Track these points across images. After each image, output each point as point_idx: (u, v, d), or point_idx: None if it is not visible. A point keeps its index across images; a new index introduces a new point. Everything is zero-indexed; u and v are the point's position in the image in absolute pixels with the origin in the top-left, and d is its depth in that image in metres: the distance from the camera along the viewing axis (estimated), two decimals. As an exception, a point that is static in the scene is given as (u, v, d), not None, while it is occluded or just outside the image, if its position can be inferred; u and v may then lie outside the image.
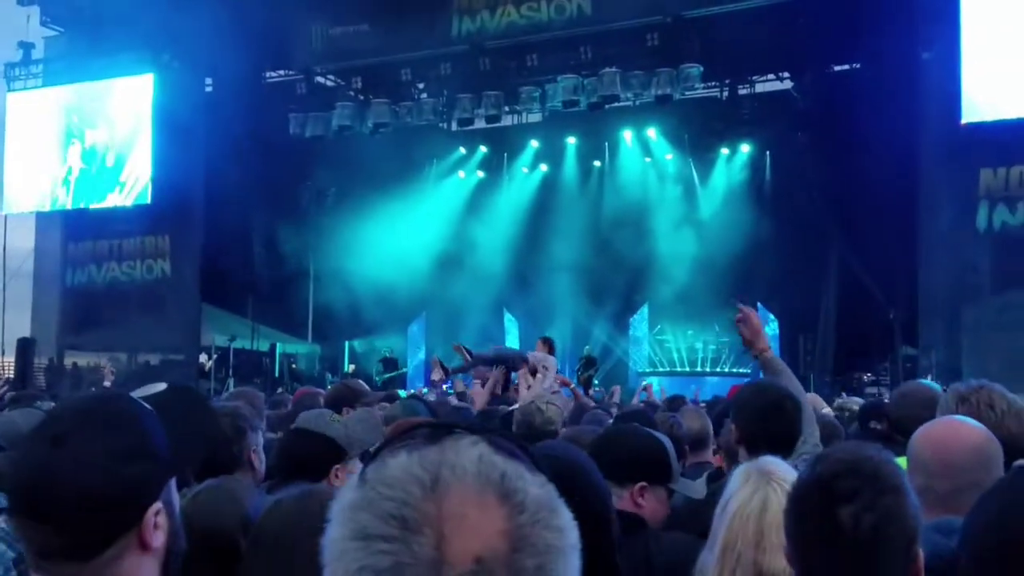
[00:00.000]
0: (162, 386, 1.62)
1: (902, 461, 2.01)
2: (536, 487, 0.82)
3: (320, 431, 3.06)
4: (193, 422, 1.57)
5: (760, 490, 1.93)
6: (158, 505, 1.44)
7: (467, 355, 7.90)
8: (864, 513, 1.54)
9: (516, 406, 4.54)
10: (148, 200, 20.36)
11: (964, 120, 15.19)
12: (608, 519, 1.85)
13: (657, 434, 2.75)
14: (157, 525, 1.43)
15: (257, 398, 5.34)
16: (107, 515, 1.39)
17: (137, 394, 1.57)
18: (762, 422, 2.91)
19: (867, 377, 16.63)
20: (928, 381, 4.23)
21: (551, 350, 9.87)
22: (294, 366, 21.65)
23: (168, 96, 19.87)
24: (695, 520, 2.39)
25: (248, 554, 1.90)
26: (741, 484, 2.00)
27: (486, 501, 0.78)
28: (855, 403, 6.40)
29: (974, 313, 15.19)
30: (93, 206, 21.04)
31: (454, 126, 19.94)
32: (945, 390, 3.02)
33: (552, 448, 2.11)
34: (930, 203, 15.54)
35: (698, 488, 2.78)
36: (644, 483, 2.35)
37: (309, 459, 2.96)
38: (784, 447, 2.58)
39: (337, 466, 2.98)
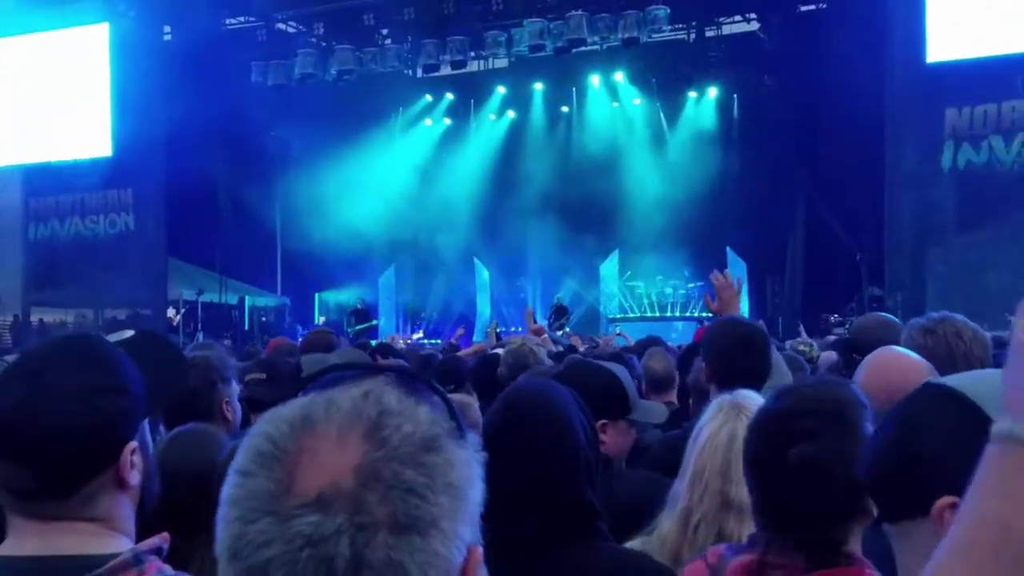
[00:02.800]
0: (130, 332, 1.62)
1: None
2: (414, 425, 0.79)
3: None
4: (163, 364, 1.57)
5: (730, 422, 1.95)
6: (134, 443, 1.44)
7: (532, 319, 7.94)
8: (818, 453, 1.55)
9: (504, 348, 4.56)
10: (109, 153, 19.99)
11: (929, 59, 15.23)
12: (573, 457, 1.85)
13: (610, 366, 2.74)
14: (133, 464, 1.43)
15: (222, 349, 5.25)
16: (85, 450, 1.39)
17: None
18: (732, 358, 2.91)
19: (834, 318, 16.82)
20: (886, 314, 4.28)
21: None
22: (264, 319, 21.53)
23: (125, 46, 19.40)
24: (670, 455, 2.41)
25: (213, 496, 1.87)
26: (713, 416, 2.03)
27: (348, 437, 0.77)
28: (807, 343, 6.51)
29: (939, 253, 15.38)
30: (53, 159, 20.64)
31: (419, 72, 19.68)
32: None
33: (521, 385, 2.10)
34: (895, 143, 15.62)
35: (658, 411, 2.81)
36: (604, 420, 2.36)
37: None
38: (756, 382, 2.58)
39: None
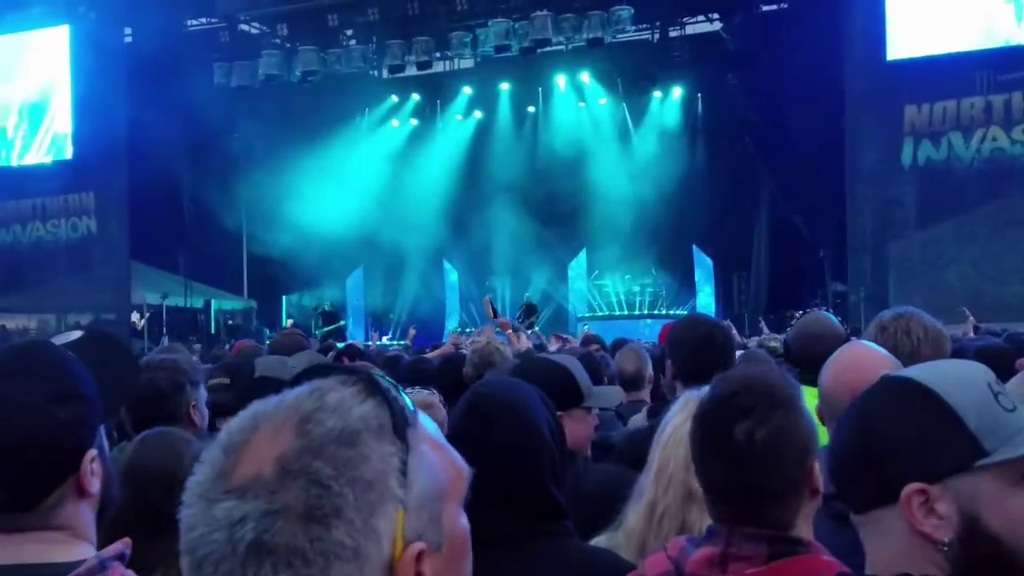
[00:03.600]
0: (78, 333, 1.60)
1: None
2: (338, 420, 0.82)
3: (285, 378, 3.02)
4: (114, 366, 1.56)
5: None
6: (93, 451, 1.44)
7: (493, 312, 7.84)
8: (757, 427, 1.60)
9: (470, 348, 4.56)
10: (69, 156, 19.74)
11: (889, 57, 15.45)
12: (537, 455, 1.86)
13: (560, 358, 2.78)
14: (93, 471, 1.43)
15: (186, 352, 5.22)
16: (46, 461, 1.38)
17: (54, 342, 1.55)
18: (695, 355, 2.96)
19: (799, 314, 16.97)
20: (828, 313, 4.29)
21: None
22: (231, 322, 21.35)
23: (86, 48, 19.18)
24: (635, 450, 2.43)
25: (176, 499, 1.87)
26: (679, 411, 2.07)
27: (282, 431, 0.81)
28: (775, 339, 6.56)
29: (900, 248, 15.61)
30: (13, 163, 20.34)
31: (385, 73, 19.64)
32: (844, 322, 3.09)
33: (486, 383, 2.11)
34: (856, 140, 15.83)
35: (614, 395, 2.81)
36: (559, 412, 2.38)
37: None
38: (719, 378, 2.62)
39: None
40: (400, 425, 0.85)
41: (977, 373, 1.30)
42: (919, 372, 1.31)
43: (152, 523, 1.99)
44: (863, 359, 2.14)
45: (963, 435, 1.23)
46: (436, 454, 0.88)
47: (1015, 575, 1.23)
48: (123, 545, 1.39)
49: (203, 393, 3.21)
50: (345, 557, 0.79)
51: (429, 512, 0.85)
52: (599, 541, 2.06)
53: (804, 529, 1.65)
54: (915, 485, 1.21)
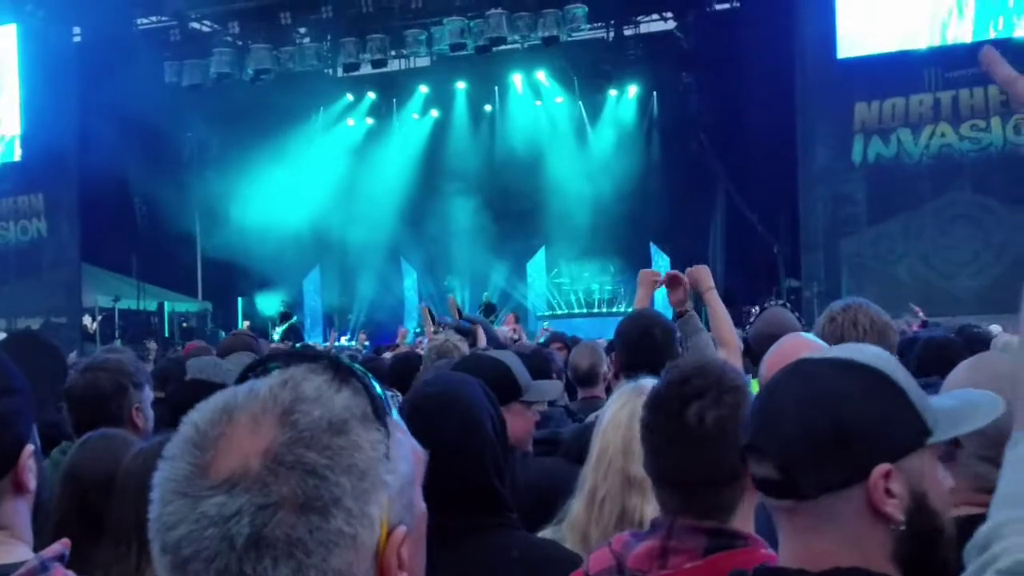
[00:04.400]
0: (2, 335, 1.60)
1: None
2: (323, 410, 0.82)
3: (218, 380, 2.98)
4: (42, 363, 1.55)
5: (630, 403, 2.02)
6: (31, 446, 1.42)
7: (458, 312, 7.74)
8: (709, 410, 1.64)
9: (425, 346, 4.57)
10: (16, 158, 19.37)
11: (840, 55, 15.66)
12: (480, 449, 1.87)
13: (497, 354, 2.81)
14: (30, 467, 1.42)
15: (130, 352, 5.11)
16: None
17: None
18: (634, 350, 3.04)
19: (754, 310, 17.17)
20: (786, 309, 4.36)
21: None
22: (185, 324, 21.07)
23: (34, 47, 18.84)
24: (581, 445, 2.44)
25: (115, 501, 1.89)
26: (615, 399, 2.10)
27: (261, 423, 0.81)
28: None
29: (852, 244, 15.84)
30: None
31: (340, 72, 19.50)
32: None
33: (429, 382, 2.12)
34: (808, 138, 16.05)
35: (552, 389, 2.83)
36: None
37: None
38: (658, 370, 2.65)
39: None
40: (381, 412, 0.86)
41: (892, 356, 1.34)
42: (856, 354, 1.31)
43: (93, 527, 1.96)
44: (801, 349, 2.17)
45: (914, 414, 1.26)
46: (405, 439, 0.90)
47: (942, 549, 1.25)
48: (62, 546, 1.38)
49: (148, 395, 3.15)
50: (344, 545, 0.79)
51: (407, 497, 0.87)
52: (544, 535, 2.07)
53: (746, 521, 1.66)
54: (883, 467, 1.21)
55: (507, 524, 1.90)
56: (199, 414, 0.83)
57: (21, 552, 1.40)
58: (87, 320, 19.12)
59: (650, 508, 1.85)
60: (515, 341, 6.63)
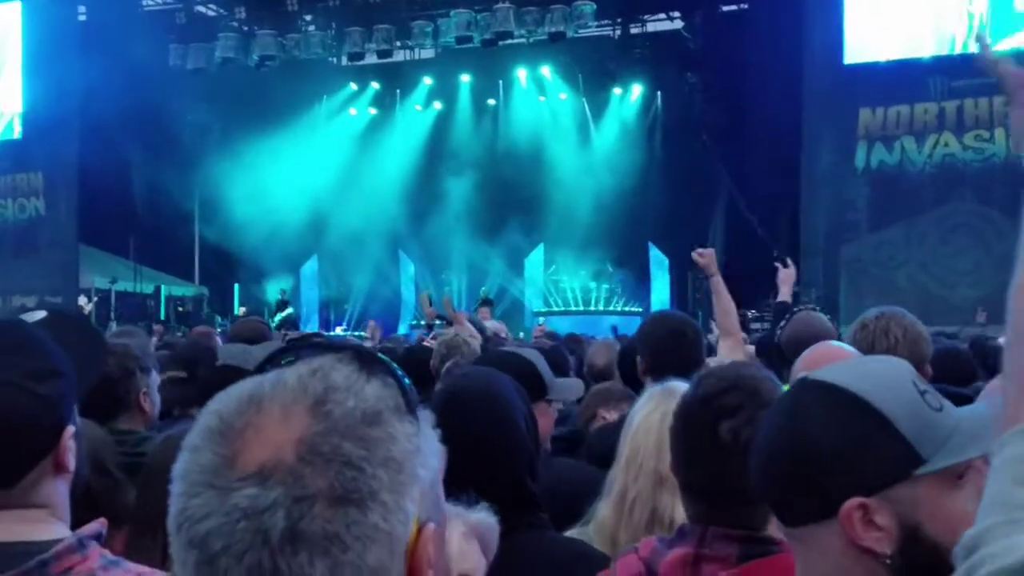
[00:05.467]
0: (42, 313, 1.58)
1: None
2: (358, 400, 0.79)
3: (249, 367, 2.95)
4: (82, 344, 1.54)
5: (662, 405, 2.01)
6: (72, 427, 1.44)
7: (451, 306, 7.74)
8: (744, 427, 1.59)
9: (435, 340, 4.55)
10: (16, 135, 19.28)
11: (847, 61, 15.66)
12: (514, 448, 1.86)
13: (522, 351, 2.80)
14: (71, 448, 1.43)
15: (143, 336, 5.08)
16: (27, 437, 1.38)
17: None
18: (665, 350, 2.99)
19: (751, 313, 17.18)
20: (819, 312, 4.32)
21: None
22: (181, 309, 21.00)
23: (38, 26, 18.75)
24: (603, 444, 2.43)
25: (141, 489, 1.87)
26: (646, 402, 2.08)
27: (292, 413, 0.78)
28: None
29: (851, 250, 15.85)
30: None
31: (344, 61, 19.46)
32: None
33: (465, 375, 2.10)
34: (812, 142, 16.05)
35: (575, 387, 2.82)
36: None
37: None
38: (688, 372, 2.63)
39: None
40: (413, 404, 0.83)
41: (901, 372, 1.26)
42: (843, 375, 1.25)
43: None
44: (831, 358, 2.15)
45: (898, 443, 1.18)
46: (432, 433, 0.87)
47: None
48: (100, 525, 1.41)
49: (155, 380, 3.12)
50: (380, 540, 0.76)
51: (436, 492, 0.84)
52: (570, 535, 2.06)
53: (775, 528, 1.64)
54: (855, 501, 1.16)
55: (538, 524, 1.89)
56: (221, 404, 0.81)
57: (59, 530, 1.41)
58: (82, 301, 19.03)
59: (680, 508, 1.82)
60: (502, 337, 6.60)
